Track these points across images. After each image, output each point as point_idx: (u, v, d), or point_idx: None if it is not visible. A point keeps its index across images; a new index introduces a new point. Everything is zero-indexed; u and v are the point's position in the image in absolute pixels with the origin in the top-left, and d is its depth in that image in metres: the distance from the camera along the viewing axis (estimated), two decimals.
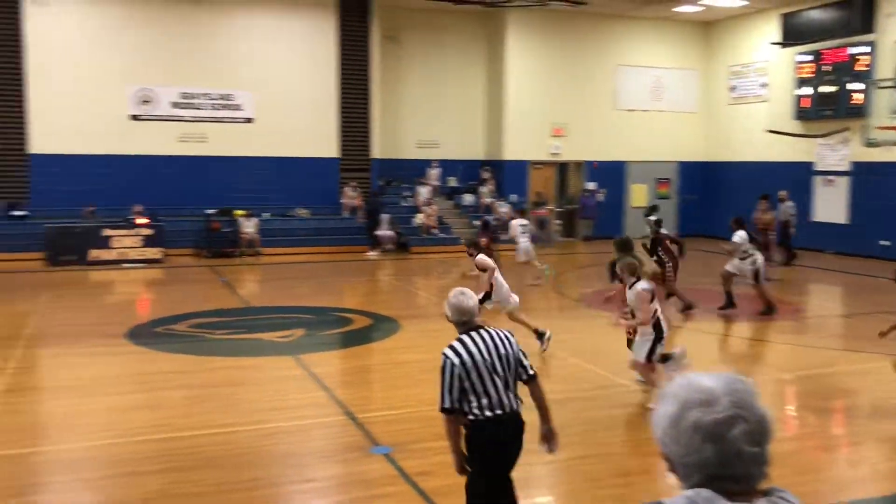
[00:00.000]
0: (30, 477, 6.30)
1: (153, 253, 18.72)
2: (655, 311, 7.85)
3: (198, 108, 21.30)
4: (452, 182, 24.21)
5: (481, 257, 10.18)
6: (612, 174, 24.85)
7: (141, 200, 19.62)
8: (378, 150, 23.07)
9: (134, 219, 19.01)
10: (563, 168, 25.04)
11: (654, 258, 12.78)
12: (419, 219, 21.84)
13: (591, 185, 24.64)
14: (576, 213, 24.86)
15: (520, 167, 24.23)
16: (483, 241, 12.64)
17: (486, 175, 23.98)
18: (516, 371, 4.42)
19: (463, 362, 4.29)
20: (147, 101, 20.86)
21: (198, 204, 20.71)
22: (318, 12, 22.16)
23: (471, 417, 4.32)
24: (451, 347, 4.36)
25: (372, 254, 20.44)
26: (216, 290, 15.61)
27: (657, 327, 7.87)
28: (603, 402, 8.24)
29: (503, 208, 22.30)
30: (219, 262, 18.93)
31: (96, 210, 19.53)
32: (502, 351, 4.39)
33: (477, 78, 24.59)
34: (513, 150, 24.08)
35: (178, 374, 9.23)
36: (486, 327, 4.49)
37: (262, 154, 21.68)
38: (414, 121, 24.04)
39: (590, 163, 24.69)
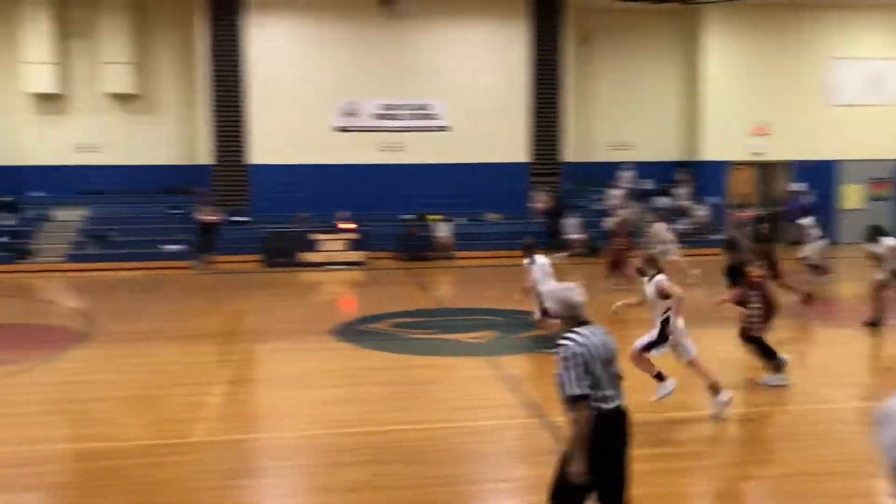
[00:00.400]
0: (250, 461, 6.94)
1: (356, 256, 19.85)
2: (667, 309, 7.52)
3: (397, 119, 22.35)
4: (646, 184, 23.66)
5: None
6: (820, 174, 23.22)
7: (346, 207, 20.89)
8: (569, 153, 23.04)
9: (339, 224, 20.27)
10: (765, 168, 23.73)
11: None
12: (610, 223, 21.51)
13: (797, 187, 23.15)
14: (780, 216, 23.45)
15: (718, 168, 23.26)
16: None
17: (682, 177, 23.22)
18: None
19: (588, 349, 4.24)
20: (352, 114, 22.16)
21: (396, 210, 21.73)
22: (510, 19, 22.51)
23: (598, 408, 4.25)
24: (570, 338, 4.28)
25: (558, 256, 20.29)
26: (413, 292, 16.29)
27: (663, 327, 7.56)
28: (814, 416, 7.79)
29: (701, 211, 21.50)
30: (416, 265, 19.75)
31: (306, 216, 20.99)
32: (611, 346, 4.38)
33: (671, 77, 23.89)
34: (711, 151, 23.16)
35: (379, 371, 9.76)
36: (592, 322, 4.42)
37: (456, 161, 22.34)
38: (605, 123, 23.76)
39: (797, 161, 23.18)
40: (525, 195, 22.49)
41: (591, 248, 20.96)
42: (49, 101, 21.74)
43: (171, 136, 22.38)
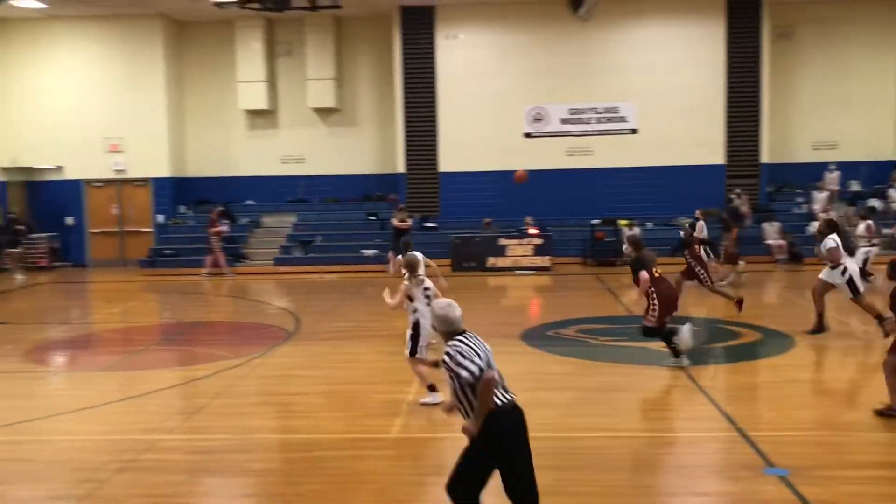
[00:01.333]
0: (446, 458, 7.17)
1: (542, 261, 19.91)
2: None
3: (585, 123, 22.21)
4: (854, 186, 21.95)
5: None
6: None
7: (531, 212, 21.02)
8: (767, 154, 21.85)
9: (526, 229, 20.43)
10: None
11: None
12: (814, 227, 20.16)
13: None
14: None
15: None
16: None
17: None
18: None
19: (474, 348, 4.78)
20: (539, 119, 22.29)
21: (583, 214, 21.59)
22: (705, 16, 21.74)
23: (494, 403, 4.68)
24: (457, 342, 4.81)
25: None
26: (600, 298, 16.11)
27: None
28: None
29: None
30: (603, 271, 19.51)
31: (492, 222, 21.34)
32: (488, 349, 4.89)
33: (888, 69, 22.02)
34: None
35: (565, 376, 9.76)
36: (468, 331, 4.92)
37: (645, 164, 21.85)
38: (808, 121, 22.32)
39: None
40: (721, 199, 21.57)
41: (792, 255, 19.78)
42: (260, 117, 23.61)
43: (368, 147, 23.59)
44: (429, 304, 8.07)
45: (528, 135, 22.39)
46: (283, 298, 17.50)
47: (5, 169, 22.86)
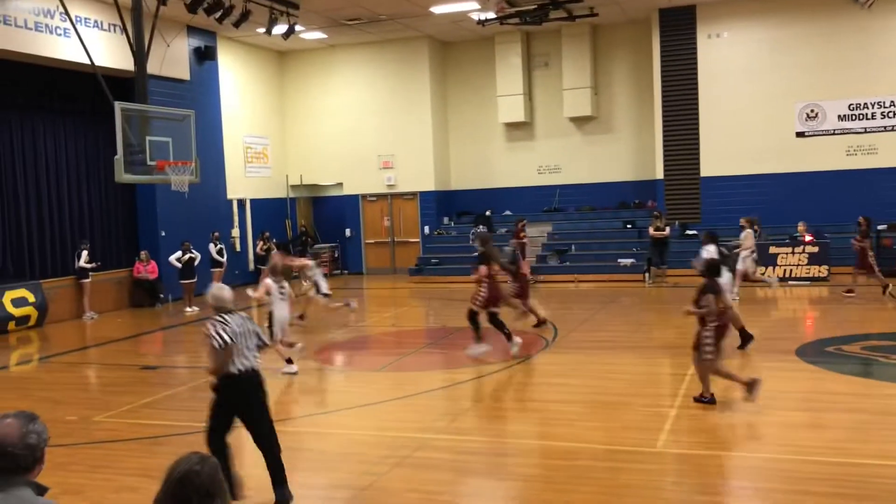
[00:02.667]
0: (713, 477, 6.88)
1: (818, 270, 18.37)
2: None
3: (867, 119, 20.18)
4: None
5: None
6: None
7: (804, 217, 19.43)
8: None
9: (800, 236, 18.94)
10: None
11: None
12: None
13: None
14: None
15: None
16: None
17: None
18: (256, 341, 6.33)
19: (228, 326, 6.11)
20: (813, 117, 20.62)
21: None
22: None
23: (230, 371, 6.09)
24: (215, 319, 6.18)
25: None
26: (889, 312, 14.52)
27: None
28: None
29: None
30: (892, 281, 17.52)
31: (760, 228, 20.02)
32: (250, 327, 6.29)
33: None
34: None
35: (849, 397, 8.94)
36: (236, 311, 6.32)
37: None
38: None
39: None
40: None
41: None
42: (517, 129, 24.20)
43: (625, 154, 23.26)
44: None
45: (800, 134, 20.79)
46: (540, 307, 17.74)
47: (294, 186, 25.49)
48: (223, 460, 5.95)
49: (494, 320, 11.70)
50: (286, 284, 11.40)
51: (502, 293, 12.14)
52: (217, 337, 6.03)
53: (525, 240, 19.97)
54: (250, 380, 6.18)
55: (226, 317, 6.20)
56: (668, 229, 20.08)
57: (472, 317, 11.70)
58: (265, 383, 6.34)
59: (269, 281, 11.20)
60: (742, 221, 16.79)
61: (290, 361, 10.90)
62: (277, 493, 6.16)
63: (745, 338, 11.29)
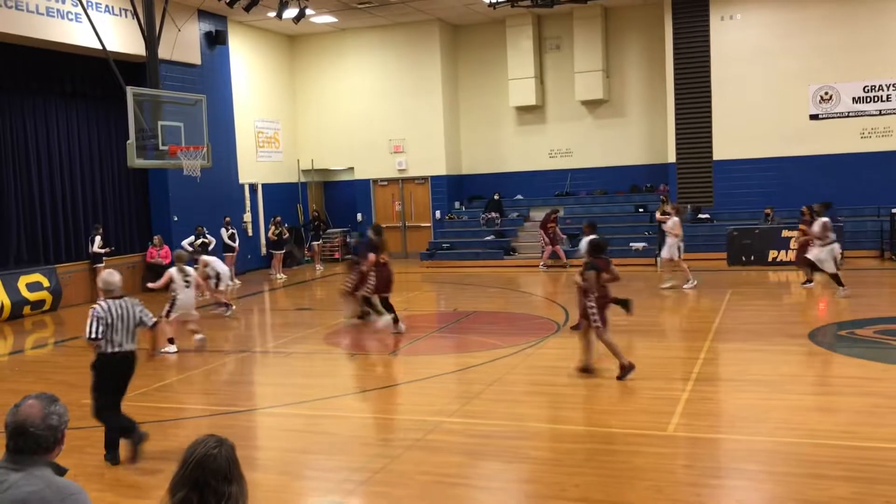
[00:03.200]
0: (724, 461, 6.91)
1: None
2: None
3: (883, 101, 20.00)
4: None
5: None
6: None
7: (818, 200, 19.25)
8: None
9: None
10: None
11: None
12: None
13: None
14: None
15: None
16: None
17: None
18: (138, 323, 7.13)
19: (110, 311, 6.91)
20: (826, 100, 20.45)
21: (881, 202, 19.46)
22: None
23: (106, 351, 6.99)
24: (99, 304, 6.97)
25: None
26: None
27: None
28: None
29: None
30: None
31: (773, 212, 19.95)
32: (133, 313, 7.06)
33: None
34: None
35: (860, 381, 8.92)
36: (123, 298, 7.08)
37: None
38: None
39: None
40: None
41: None
42: (528, 113, 24.10)
43: (637, 137, 23.15)
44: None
45: (813, 116, 20.63)
46: (552, 291, 17.75)
47: (305, 171, 25.51)
48: (130, 428, 7.05)
49: (385, 303, 12.67)
50: (191, 272, 12.17)
51: (392, 278, 13.02)
52: (88, 328, 6.89)
53: (553, 229, 20.59)
54: (125, 358, 7.06)
55: (108, 303, 6.95)
56: (669, 219, 19.62)
57: (366, 301, 13.15)
58: (136, 364, 7.25)
59: (172, 270, 12.01)
60: (668, 208, 17.35)
61: (171, 341, 11.78)
62: (127, 444, 7.11)
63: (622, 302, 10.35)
